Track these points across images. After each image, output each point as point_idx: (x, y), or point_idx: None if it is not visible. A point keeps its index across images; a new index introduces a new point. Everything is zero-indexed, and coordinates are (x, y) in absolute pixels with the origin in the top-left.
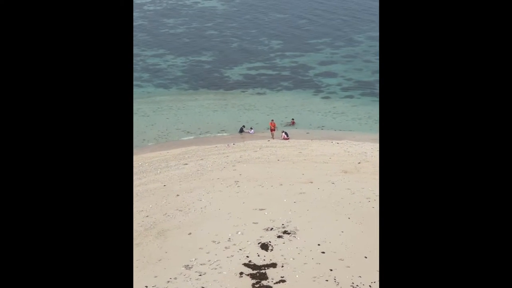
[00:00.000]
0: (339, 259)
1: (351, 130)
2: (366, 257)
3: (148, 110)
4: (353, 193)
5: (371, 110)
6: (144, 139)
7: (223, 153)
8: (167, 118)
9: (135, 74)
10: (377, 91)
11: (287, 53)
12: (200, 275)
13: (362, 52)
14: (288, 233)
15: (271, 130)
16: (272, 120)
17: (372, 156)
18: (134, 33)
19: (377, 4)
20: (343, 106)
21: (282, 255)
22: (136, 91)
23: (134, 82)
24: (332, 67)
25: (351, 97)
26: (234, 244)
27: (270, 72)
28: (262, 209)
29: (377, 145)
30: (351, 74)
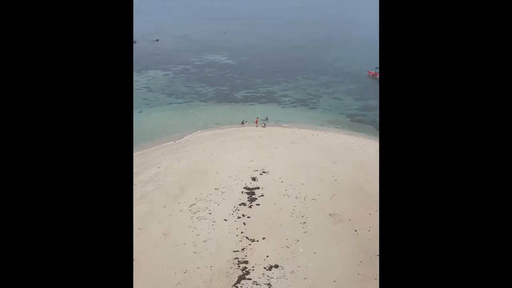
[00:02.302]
0: (289, 185)
1: (296, 122)
2: (303, 184)
3: (193, 113)
4: (297, 153)
5: (309, 113)
6: (193, 127)
7: (233, 134)
8: (205, 116)
9: (192, 95)
10: (308, 103)
11: (265, 85)
12: (222, 192)
13: (303, 84)
14: (265, 172)
15: (256, 122)
16: (257, 118)
17: (305, 136)
18: (189, 76)
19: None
20: (293, 110)
21: (262, 183)
22: (191, 103)
23: (193, 96)
24: (286, 92)
25: (296, 107)
26: (239, 178)
27: (256, 94)
28: (252, 161)
29: (311, 131)
30: (296, 95)
